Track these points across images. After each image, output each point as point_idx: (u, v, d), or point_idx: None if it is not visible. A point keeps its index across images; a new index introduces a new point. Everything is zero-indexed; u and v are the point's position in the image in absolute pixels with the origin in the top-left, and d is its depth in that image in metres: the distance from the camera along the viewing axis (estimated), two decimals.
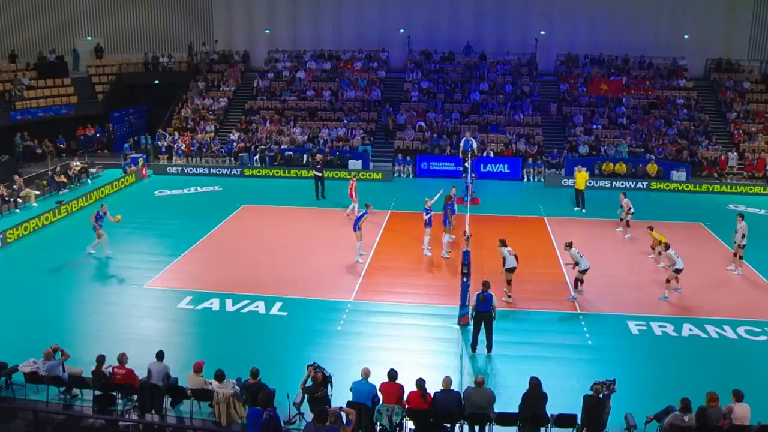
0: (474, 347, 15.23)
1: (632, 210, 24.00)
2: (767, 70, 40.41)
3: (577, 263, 18.15)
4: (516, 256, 18.05)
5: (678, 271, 18.33)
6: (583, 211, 27.28)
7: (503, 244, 18.14)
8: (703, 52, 41.23)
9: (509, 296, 18.17)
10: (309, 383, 11.99)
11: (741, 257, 20.79)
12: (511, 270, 18.03)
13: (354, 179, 26.41)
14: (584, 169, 28.48)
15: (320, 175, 29.10)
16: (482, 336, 15.20)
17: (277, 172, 33.90)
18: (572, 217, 26.66)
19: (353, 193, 25.79)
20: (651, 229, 21.32)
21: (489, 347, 15.21)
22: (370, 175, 32.82)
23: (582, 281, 18.47)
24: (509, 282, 18.18)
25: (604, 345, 15.92)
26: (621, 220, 24.44)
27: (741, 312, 17.75)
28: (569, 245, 18.35)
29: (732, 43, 41.28)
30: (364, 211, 21.77)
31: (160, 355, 12.77)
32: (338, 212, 26.35)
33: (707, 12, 41.06)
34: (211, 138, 37.02)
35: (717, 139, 36.10)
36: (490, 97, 39.18)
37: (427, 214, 21.47)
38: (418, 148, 35.94)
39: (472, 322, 15.38)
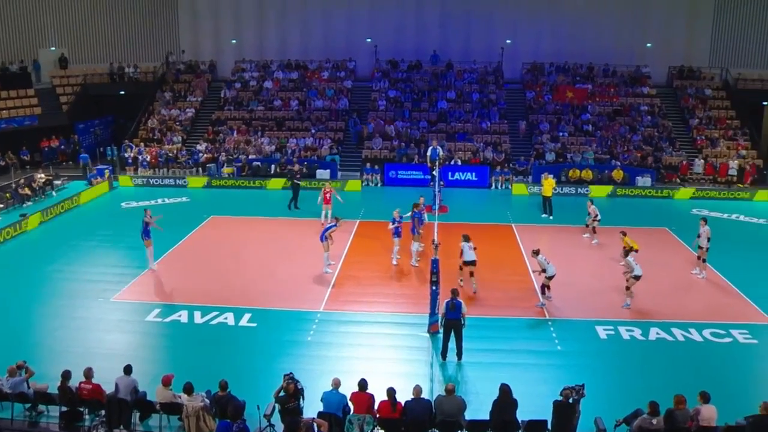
0: (444, 355, 15.26)
1: (599, 217, 24.36)
2: (728, 77, 41.33)
3: (544, 270, 18.38)
4: (475, 250, 19.08)
5: (637, 278, 18.51)
6: (551, 217, 27.58)
7: (466, 239, 19.20)
8: (665, 59, 42.06)
9: (461, 280, 19.40)
10: (281, 393, 11.93)
11: (704, 260, 21.20)
12: (471, 263, 18.94)
13: (329, 187, 26.33)
14: (551, 176, 28.80)
15: (299, 184, 29.07)
16: (452, 344, 15.26)
17: (245, 183, 33.80)
18: (540, 224, 26.94)
19: (329, 200, 25.72)
20: (624, 234, 21.59)
21: (459, 354, 15.26)
22: (338, 185, 32.79)
23: (549, 287, 18.70)
24: (471, 274, 19.19)
25: (573, 350, 16.09)
26: (587, 226, 24.78)
27: (706, 315, 18.10)
28: (536, 252, 18.62)
29: (693, 50, 42.24)
30: (333, 223, 21.72)
31: (127, 369, 12.59)
32: (307, 222, 26.27)
33: (669, 20, 41.94)
34: (178, 149, 36.72)
35: (680, 145, 36.80)
36: (457, 105, 39.46)
37: (393, 223, 21.53)
38: (386, 156, 36.05)
39: (441, 330, 15.43)
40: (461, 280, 19.55)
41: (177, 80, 42.66)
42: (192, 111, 40.14)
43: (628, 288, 18.66)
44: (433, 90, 40.60)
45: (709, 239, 20.97)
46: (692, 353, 16.02)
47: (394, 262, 21.78)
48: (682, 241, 24.62)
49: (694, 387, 12.25)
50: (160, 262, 21.95)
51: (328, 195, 25.75)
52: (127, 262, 21.99)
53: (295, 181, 29.08)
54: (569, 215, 27.40)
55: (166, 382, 12.36)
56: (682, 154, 35.76)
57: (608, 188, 32.99)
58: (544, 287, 18.66)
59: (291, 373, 12.24)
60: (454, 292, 15.15)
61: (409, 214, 22.17)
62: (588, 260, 22.67)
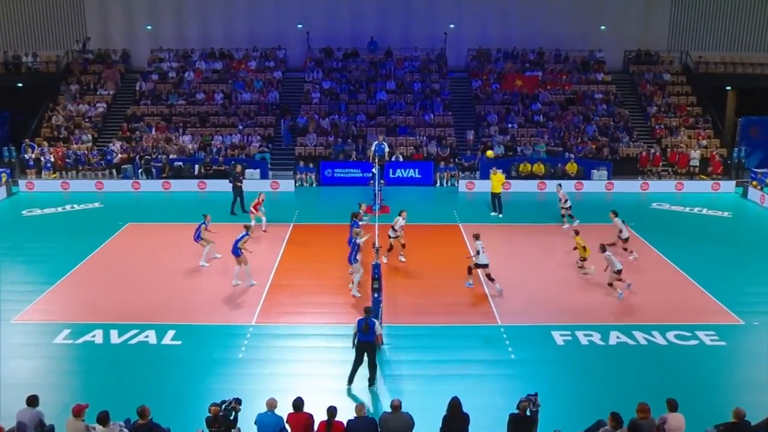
0: (351, 380, 14.75)
1: (569, 202, 25.19)
2: (688, 61, 42.48)
3: (477, 253, 19.33)
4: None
5: (618, 272, 19.30)
6: (500, 215, 27.94)
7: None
8: (620, 43, 42.98)
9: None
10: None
11: (626, 249, 22.79)
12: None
13: (263, 194, 26.10)
14: (500, 171, 29.17)
15: (240, 185, 28.79)
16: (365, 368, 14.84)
17: (166, 186, 33.31)
18: (489, 223, 27.24)
19: (259, 208, 25.51)
20: (576, 233, 21.99)
21: (372, 380, 14.80)
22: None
23: (471, 271, 19.68)
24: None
25: (528, 358, 16.29)
26: (563, 216, 25.72)
27: (669, 316, 18.53)
28: (477, 236, 19.82)
29: (650, 34, 43.18)
30: (244, 232, 20.80)
31: (32, 401, 12.17)
32: (235, 227, 25.96)
33: (624, 2, 42.82)
34: (89, 149, 35.89)
35: (638, 135, 37.74)
36: (398, 96, 39.65)
37: (356, 227, 20.91)
38: (321, 154, 35.96)
39: (354, 352, 14.76)
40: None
41: (84, 71, 41.68)
42: (103, 106, 39.26)
43: (611, 284, 19.48)
44: (372, 80, 40.69)
45: (622, 230, 22.83)
46: (656, 358, 16.35)
47: (356, 293, 19.96)
48: (641, 238, 25.22)
49: (660, 394, 12.53)
50: (72, 276, 21.40)
51: (254, 206, 25.46)
52: (31, 277, 21.33)
53: (237, 183, 28.78)
54: (520, 213, 27.83)
55: (78, 413, 11.98)
56: (641, 145, 36.69)
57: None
58: (470, 269, 19.77)
59: (232, 400, 12.03)
60: (368, 311, 14.81)
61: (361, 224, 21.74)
62: (542, 261, 22.98)
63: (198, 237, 22.14)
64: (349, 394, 14.55)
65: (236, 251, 20.34)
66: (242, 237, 20.59)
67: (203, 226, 22.21)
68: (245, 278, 20.62)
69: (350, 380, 14.78)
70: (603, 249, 20.00)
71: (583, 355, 16.50)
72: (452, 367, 15.75)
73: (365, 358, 14.63)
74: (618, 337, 17.22)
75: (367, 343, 14.51)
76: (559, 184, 26.35)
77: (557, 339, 17.16)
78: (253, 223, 24.92)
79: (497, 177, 28.34)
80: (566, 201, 25.59)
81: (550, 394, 13.75)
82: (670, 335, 17.34)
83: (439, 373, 15.51)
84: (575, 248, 21.55)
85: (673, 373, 15.54)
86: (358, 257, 19.58)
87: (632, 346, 16.86)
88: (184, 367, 15.82)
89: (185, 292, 20.23)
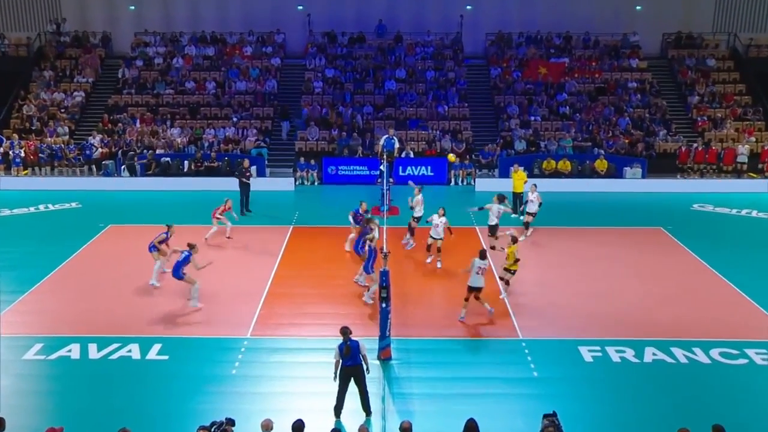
0: (338, 411, 14.35)
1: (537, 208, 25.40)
2: (736, 44, 42.13)
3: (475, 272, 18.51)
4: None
5: (471, 289, 18.67)
6: (521, 217, 27.86)
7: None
8: (658, 25, 42.75)
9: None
10: None
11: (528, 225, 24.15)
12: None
13: (229, 201, 25.63)
14: (521, 168, 29.14)
15: (248, 183, 28.97)
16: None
17: (151, 184, 33.42)
18: (510, 226, 27.13)
19: (221, 214, 25.21)
20: (514, 241, 20.45)
21: (367, 408, 14.46)
22: None
23: (468, 299, 18.86)
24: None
25: (553, 376, 16.23)
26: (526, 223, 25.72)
27: (714, 331, 18.34)
28: (483, 254, 18.69)
29: (693, 13, 42.81)
30: (186, 252, 19.93)
31: None
32: (244, 230, 26.04)
33: None
34: (65, 142, 36.01)
35: (677, 128, 37.59)
36: (408, 86, 39.68)
37: (368, 233, 20.66)
38: (324, 149, 35.98)
39: (337, 381, 14.39)
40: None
41: (60, 55, 41.84)
42: (81, 95, 39.43)
43: (466, 299, 18.86)
44: (380, 68, 40.73)
45: (540, 204, 23.32)
46: (698, 378, 16.20)
47: (369, 300, 20.25)
48: (680, 243, 25.19)
49: (703, 420, 12.42)
50: (45, 284, 21.44)
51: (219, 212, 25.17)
52: None
53: (244, 180, 28.89)
54: (543, 215, 27.67)
55: None
56: (680, 139, 36.52)
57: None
58: (467, 297, 18.79)
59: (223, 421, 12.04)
60: (345, 332, 14.27)
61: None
62: (567, 268, 22.94)
63: (179, 275, 19.99)
64: (352, 415, 14.48)
65: (178, 274, 19.49)
66: (186, 258, 19.62)
67: (165, 236, 21.52)
68: (192, 298, 19.86)
69: (338, 412, 14.40)
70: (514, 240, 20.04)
71: (615, 373, 16.40)
72: (468, 386, 15.70)
73: (351, 386, 14.26)
74: (654, 354, 17.11)
75: (353, 368, 14.18)
76: (534, 185, 25.96)
77: (585, 355, 17.10)
78: (214, 229, 24.91)
79: (518, 175, 28.31)
80: (539, 205, 25.29)
81: (576, 417, 13.71)
82: (715, 353, 17.18)
83: (454, 392, 15.46)
84: (493, 247, 21.38)
85: (718, 396, 15.37)
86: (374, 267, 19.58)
87: (671, 365, 16.75)
88: (171, 384, 15.81)
89: (173, 302, 20.18)
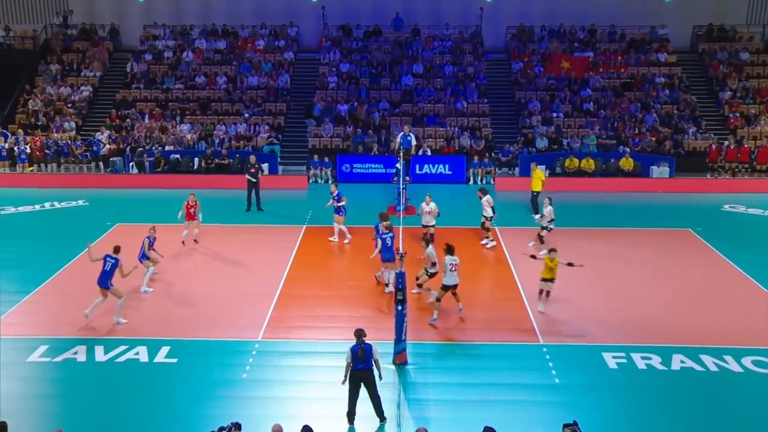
0: (351, 417, 14.37)
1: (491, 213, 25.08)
2: None
3: (446, 270, 18.64)
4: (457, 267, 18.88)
5: (446, 288, 18.79)
6: (535, 217, 27.67)
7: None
8: (688, 17, 42.45)
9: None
10: None
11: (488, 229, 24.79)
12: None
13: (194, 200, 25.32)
14: (541, 166, 29.03)
15: (255, 180, 29.09)
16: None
17: (160, 181, 33.59)
18: (529, 227, 27.09)
19: (193, 216, 24.96)
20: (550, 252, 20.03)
21: (380, 414, 14.47)
22: None
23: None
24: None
25: (575, 383, 16.19)
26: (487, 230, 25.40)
27: (745, 338, 18.17)
28: (449, 249, 18.85)
29: (726, 5, 42.53)
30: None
31: (0, 429, 12.26)
32: (247, 230, 26.14)
33: None
34: (72, 138, 36.22)
35: (707, 126, 37.35)
36: (426, 81, 39.64)
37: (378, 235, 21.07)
38: (339, 146, 36.02)
39: (348, 385, 14.47)
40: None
41: (66, 49, 42.08)
42: (89, 89, 39.65)
43: (420, 285, 19.42)
44: (396, 62, 40.72)
45: (552, 221, 23.57)
46: (729, 387, 16.10)
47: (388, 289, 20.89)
48: (710, 245, 25.05)
49: (734, 430, 12.33)
50: (50, 284, 21.60)
51: (192, 210, 24.84)
52: (2, 285, 21.31)
53: (249, 177, 29.06)
54: (564, 215, 27.60)
55: None
56: (710, 137, 36.29)
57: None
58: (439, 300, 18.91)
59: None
60: (360, 334, 14.44)
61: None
62: (590, 272, 22.80)
63: (143, 257, 21.28)
64: (366, 421, 14.49)
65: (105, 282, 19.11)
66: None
67: (147, 241, 21.64)
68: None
69: (350, 418, 14.41)
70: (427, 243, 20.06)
71: (641, 381, 16.33)
72: (486, 392, 15.69)
73: (363, 390, 14.28)
74: (682, 362, 17.03)
75: (363, 372, 14.17)
76: (549, 198, 25.47)
77: (609, 362, 17.04)
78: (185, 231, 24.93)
79: (537, 174, 28.12)
80: (551, 222, 24.94)
81: (599, 427, 13.68)
82: (747, 361, 17.06)
83: (471, 398, 15.45)
84: (533, 256, 21.15)
85: (751, 407, 15.24)
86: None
87: (700, 373, 16.65)
88: (180, 388, 15.88)
89: (181, 303, 20.33)
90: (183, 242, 24.88)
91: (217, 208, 28.50)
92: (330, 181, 33.76)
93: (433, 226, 23.71)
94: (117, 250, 19.28)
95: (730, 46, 41.41)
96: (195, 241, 25.15)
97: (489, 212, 24.80)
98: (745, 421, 14.34)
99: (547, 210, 24.70)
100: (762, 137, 36.25)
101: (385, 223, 20.96)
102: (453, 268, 18.65)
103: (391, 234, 20.60)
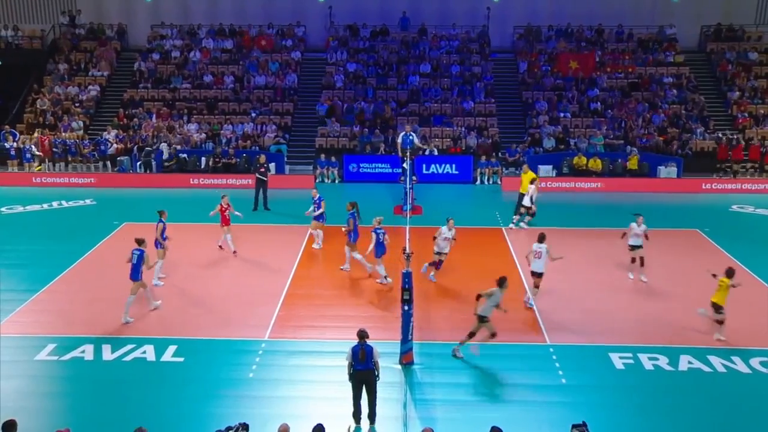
0: (357, 417, 14.40)
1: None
2: None
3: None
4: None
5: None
6: (513, 220, 27.38)
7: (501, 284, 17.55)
8: (696, 17, 42.45)
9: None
10: None
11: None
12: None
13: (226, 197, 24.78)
14: (546, 167, 28.96)
15: (264, 179, 29.13)
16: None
17: (168, 181, 33.69)
18: (536, 227, 27.04)
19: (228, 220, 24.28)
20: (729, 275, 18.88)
21: (372, 416, 14.43)
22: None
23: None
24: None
25: (582, 383, 16.16)
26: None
27: (754, 339, 18.13)
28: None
29: (734, 5, 42.48)
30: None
31: (9, 426, 12.27)
32: (253, 229, 26.12)
33: None
34: (79, 137, 36.29)
35: (716, 125, 37.27)
36: (433, 81, 39.65)
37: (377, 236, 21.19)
38: (345, 146, 36.02)
39: (351, 385, 14.47)
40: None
41: (74, 48, 42.19)
42: (96, 89, 39.74)
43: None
44: (403, 62, 40.73)
45: (532, 198, 24.79)
46: (737, 389, 16.04)
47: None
48: (718, 246, 24.99)
49: None
50: (58, 283, 21.63)
51: (227, 213, 24.12)
52: (11, 284, 21.47)
53: (258, 175, 29.11)
54: (572, 215, 27.66)
55: None
56: (718, 137, 36.15)
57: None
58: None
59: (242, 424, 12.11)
60: (362, 335, 14.40)
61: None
62: (596, 272, 22.84)
63: (158, 244, 21.50)
64: (373, 420, 14.49)
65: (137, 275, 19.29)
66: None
67: (163, 224, 21.58)
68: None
69: (357, 418, 14.44)
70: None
71: (648, 382, 16.30)
72: (493, 393, 15.70)
73: (364, 390, 14.30)
74: (690, 363, 17.00)
75: (364, 373, 14.18)
76: (536, 178, 25.83)
77: (616, 362, 17.02)
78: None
79: (527, 176, 27.65)
80: (531, 199, 25.34)
81: (607, 427, 13.64)
82: (755, 362, 17.03)
83: (478, 398, 15.47)
84: (714, 275, 20.56)
85: (759, 409, 15.19)
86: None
87: (707, 374, 16.61)
88: (187, 388, 15.90)
89: (188, 303, 20.37)
90: (220, 246, 24.50)
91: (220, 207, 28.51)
92: (336, 182, 33.81)
93: (446, 253, 21.61)
94: (140, 242, 19.60)
95: (739, 46, 41.36)
96: (220, 247, 24.56)
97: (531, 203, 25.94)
98: (753, 422, 14.29)
99: (532, 188, 25.77)
100: None
101: (377, 218, 21.39)
102: (537, 255, 19.21)
103: (382, 230, 21.03)
